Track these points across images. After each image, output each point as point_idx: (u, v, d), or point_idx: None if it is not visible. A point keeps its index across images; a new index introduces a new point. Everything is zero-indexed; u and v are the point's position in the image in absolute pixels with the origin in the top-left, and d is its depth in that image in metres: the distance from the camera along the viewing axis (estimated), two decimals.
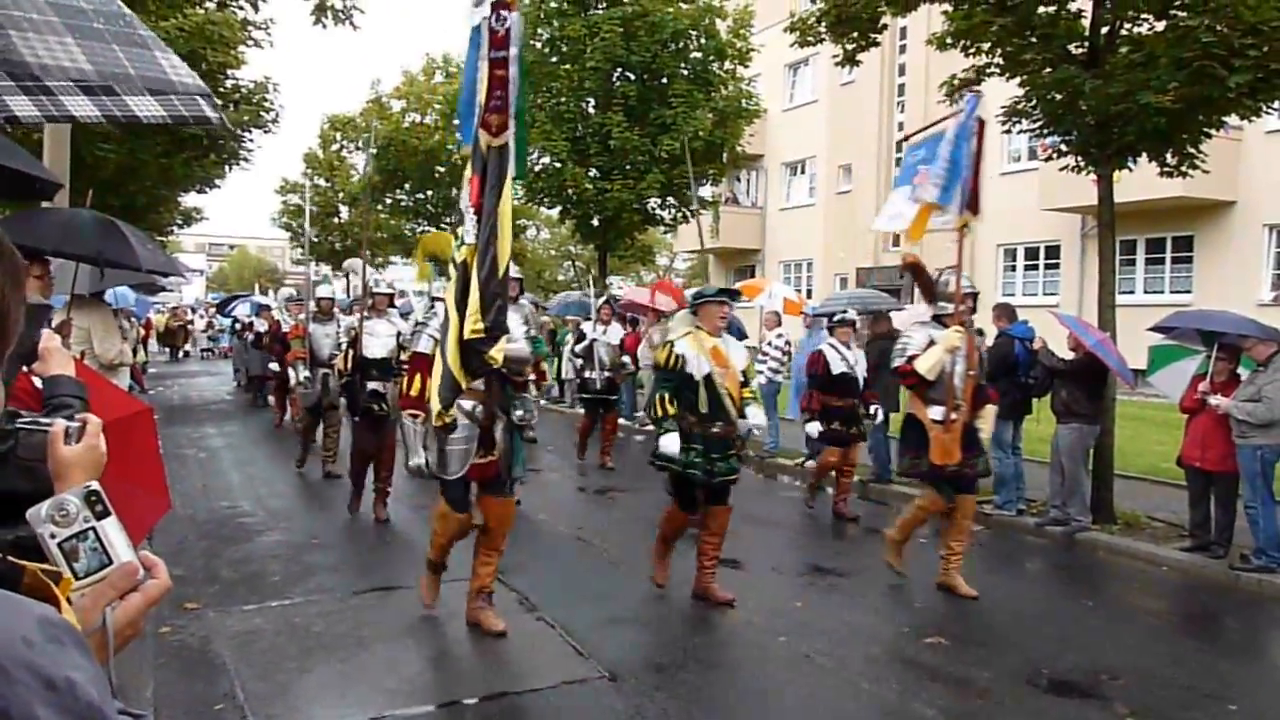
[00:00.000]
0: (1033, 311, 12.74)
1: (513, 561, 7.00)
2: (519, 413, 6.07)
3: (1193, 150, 9.41)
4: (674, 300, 13.12)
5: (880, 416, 10.31)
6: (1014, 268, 25.46)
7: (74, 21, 2.14)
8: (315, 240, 41.56)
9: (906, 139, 10.25)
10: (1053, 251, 24.25)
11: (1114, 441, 9.58)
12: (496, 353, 5.37)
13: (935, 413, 7.06)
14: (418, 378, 5.91)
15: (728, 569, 7.72)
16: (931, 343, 7.08)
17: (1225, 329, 8.21)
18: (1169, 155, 9.42)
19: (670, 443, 6.37)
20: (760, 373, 12.30)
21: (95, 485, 1.22)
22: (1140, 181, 11.19)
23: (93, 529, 1.19)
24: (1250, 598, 7.48)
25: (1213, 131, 9.38)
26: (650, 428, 11.78)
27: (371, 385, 9.20)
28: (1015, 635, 6.41)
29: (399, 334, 9.43)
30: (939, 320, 7.32)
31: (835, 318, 10.38)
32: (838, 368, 9.78)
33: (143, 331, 23.39)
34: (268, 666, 5.49)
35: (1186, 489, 8.56)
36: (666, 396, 6.50)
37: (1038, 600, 7.56)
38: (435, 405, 5.55)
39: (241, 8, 16.35)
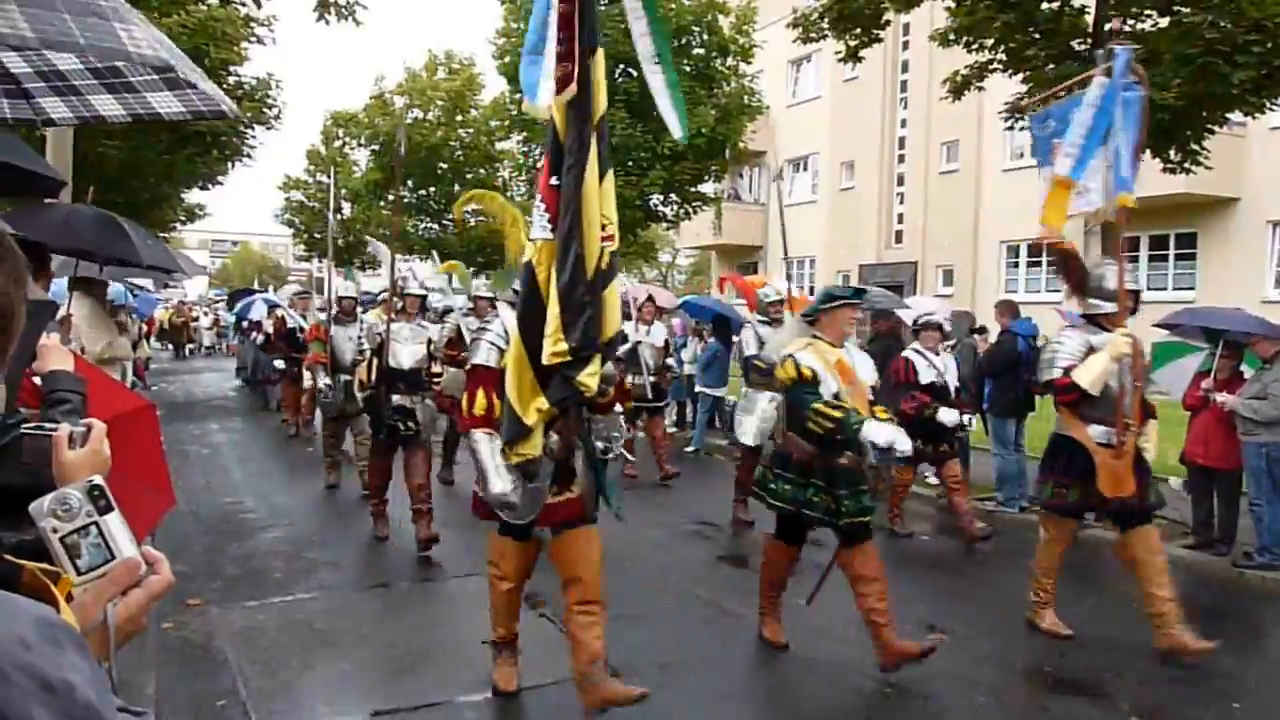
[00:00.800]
0: (1036, 308, 12.73)
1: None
2: (600, 443, 4.99)
3: (1196, 147, 9.42)
4: (742, 292, 12.15)
5: (973, 425, 9.69)
6: (1017, 264, 25.43)
7: None
8: (318, 237, 41.60)
9: (1018, 111, 9.76)
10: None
11: None
12: (589, 378, 4.37)
13: (1100, 434, 5.97)
14: (481, 394, 4.78)
15: (731, 568, 7.72)
16: (1091, 349, 5.96)
17: (1232, 326, 8.20)
18: (1172, 152, 9.43)
19: (883, 431, 5.24)
20: None
21: (98, 480, 1.21)
22: (1144, 178, 11.10)
23: (95, 524, 1.18)
24: (1254, 594, 7.47)
25: (1216, 128, 9.39)
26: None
27: (397, 400, 8.12)
28: (1018, 633, 6.40)
29: (430, 342, 8.64)
30: (1093, 321, 6.21)
31: (920, 320, 9.46)
32: (926, 376, 8.81)
33: (145, 328, 23.41)
34: (270, 663, 5.49)
35: (1189, 487, 8.55)
36: (823, 402, 5.37)
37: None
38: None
39: (244, 4, 16.32)
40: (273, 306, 17.70)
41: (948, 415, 8.55)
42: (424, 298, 9.27)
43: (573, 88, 4.27)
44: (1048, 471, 6.34)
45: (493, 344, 4.91)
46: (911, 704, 5.12)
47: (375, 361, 8.25)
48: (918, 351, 9.00)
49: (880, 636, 5.40)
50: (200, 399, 20.15)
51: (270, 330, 16.67)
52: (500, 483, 4.63)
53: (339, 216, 40.80)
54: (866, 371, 5.81)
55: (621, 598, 6.78)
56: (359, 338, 9.35)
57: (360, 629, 6.09)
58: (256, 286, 36.66)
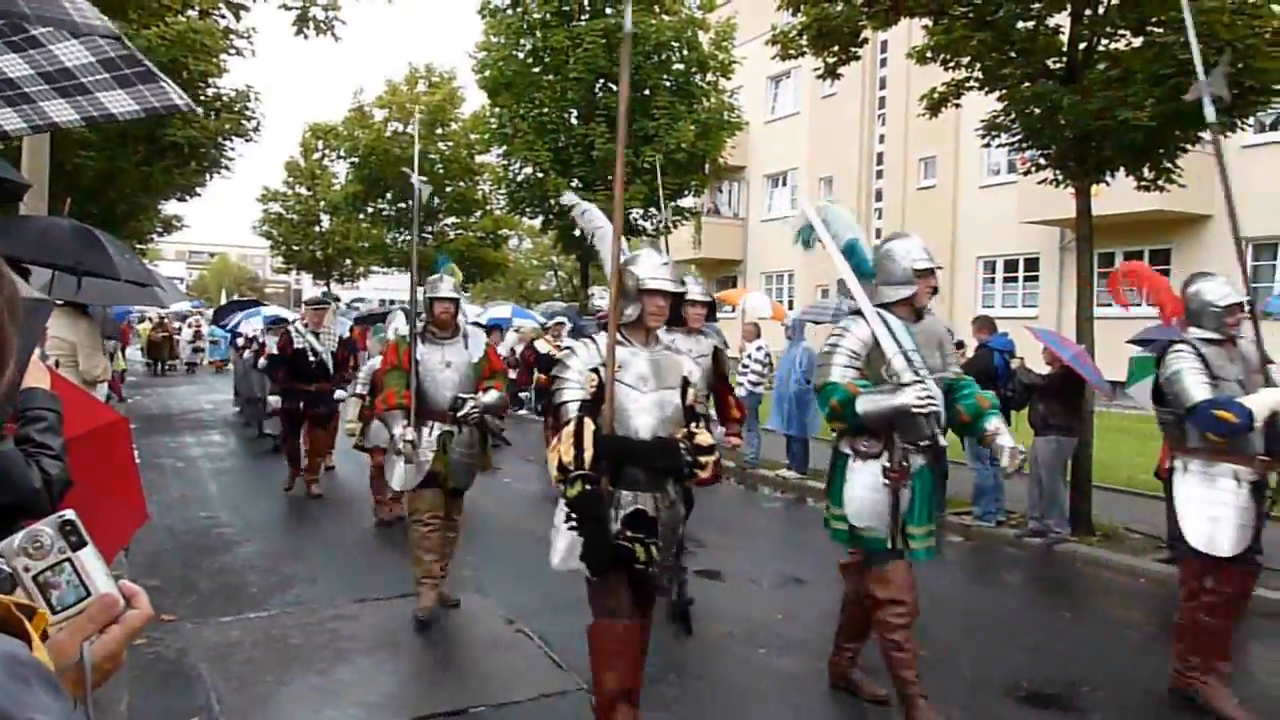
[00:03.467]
0: (1012, 324, 12.83)
1: (489, 573, 6.99)
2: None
3: (1170, 165, 9.51)
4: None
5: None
6: (993, 280, 25.61)
7: None
8: (295, 249, 41.51)
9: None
10: (1032, 264, 24.41)
11: (1092, 453, 9.63)
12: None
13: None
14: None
15: (707, 580, 7.73)
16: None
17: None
18: (1146, 170, 9.51)
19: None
20: (740, 384, 12.31)
21: (70, 515, 1.16)
22: (1118, 195, 11.29)
23: (69, 560, 1.14)
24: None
25: (1189, 146, 9.47)
26: None
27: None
28: (994, 647, 6.43)
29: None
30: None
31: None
32: None
33: (119, 341, 23.24)
34: (245, 679, 5.45)
35: (1165, 500, 8.60)
36: None
37: (1016, 612, 7.58)
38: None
39: (223, 16, 16.29)
40: (278, 321, 14.74)
41: None
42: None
43: None
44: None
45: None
46: (888, 717, 5.13)
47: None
48: None
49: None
50: (176, 412, 20.00)
51: (274, 350, 12.79)
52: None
53: (319, 229, 40.80)
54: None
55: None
56: (453, 363, 6.61)
57: (336, 645, 6.05)
58: (257, 300, 34.84)
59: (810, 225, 5.41)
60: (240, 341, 17.81)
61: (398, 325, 9.12)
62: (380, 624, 6.49)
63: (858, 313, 5.03)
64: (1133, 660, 6.29)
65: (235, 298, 39.99)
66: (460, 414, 6.38)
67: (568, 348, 4.54)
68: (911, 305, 5.10)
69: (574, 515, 4.10)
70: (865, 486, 4.89)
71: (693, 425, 4.35)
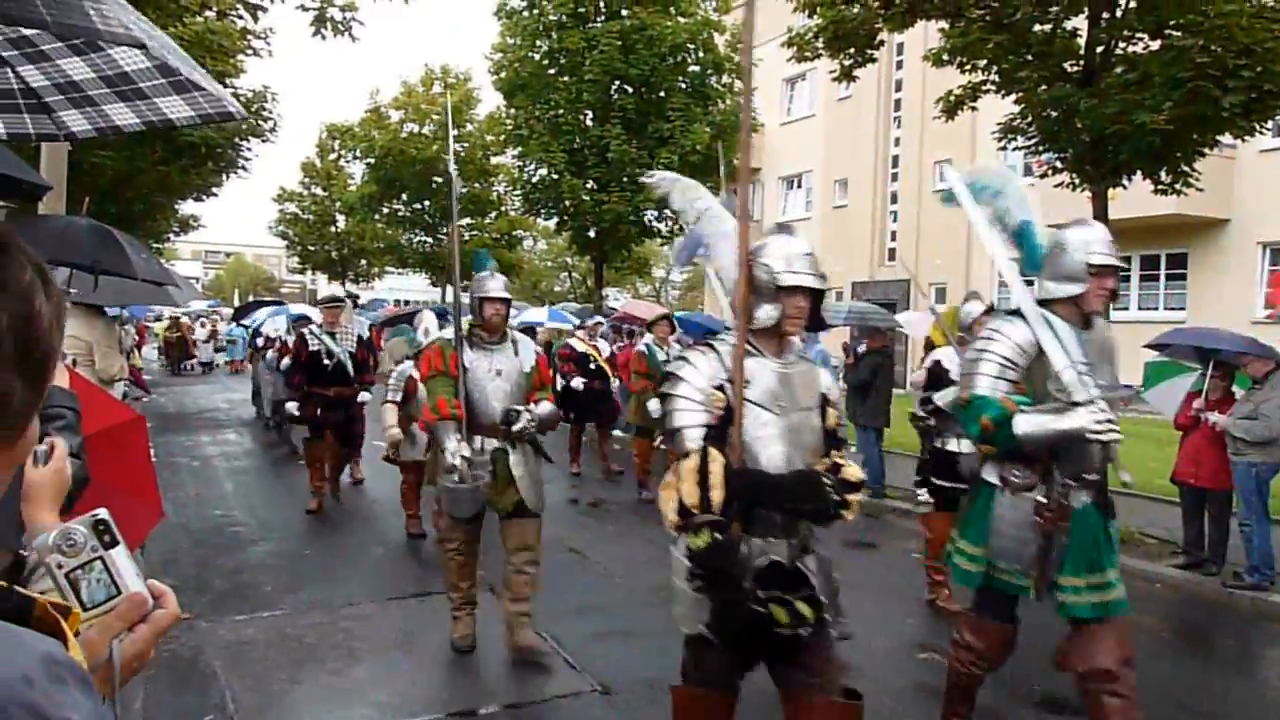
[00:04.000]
0: None
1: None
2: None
3: (1187, 169, 9.48)
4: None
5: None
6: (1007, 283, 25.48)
7: None
8: (311, 249, 41.68)
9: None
10: None
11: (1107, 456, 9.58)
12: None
13: None
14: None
15: None
16: None
17: (1223, 346, 8.23)
18: (1163, 173, 9.49)
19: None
20: None
21: (104, 514, 1.19)
22: (1135, 199, 11.24)
23: (100, 558, 1.16)
24: (1244, 615, 7.48)
25: (1207, 150, 9.44)
26: None
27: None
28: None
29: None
30: None
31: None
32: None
33: (137, 337, 23.35)
34: (259, 677, 5.48)
35: (1180, 506, 8.57)
36: None
37: (1030, 616, 7.53)
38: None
39: (241, 17, 16.39)
40: (297, 320, 13.15)
41: None
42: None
43: None
44: None
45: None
46: None
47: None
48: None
49: None
50: (192, 411, 20.09)
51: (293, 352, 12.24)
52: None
53: (334, 229, 40.94)
54: None
55: (611, 613, 6.78)
56: (504, 371, 5.84)
57: (349, 643, 6.07)
58: (267, 297, 33.71)
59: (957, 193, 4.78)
60: (260, 341, 16.93)
61: (428, 326, 9.31)
62: (394, 624, 6.51)
63: (1015, 312, 4.29)
64: (1148, 666, 6.26)
65: (253, 298, 39.66)
66: (515, 428, 5.63)
67: (680, 358, 3.70)
68: (1079, 308, 4.24)
69: (702, 571, 3.31)
70: (1013, 524, 4.15)
71: (835, 454, 3.67)
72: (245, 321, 20.21)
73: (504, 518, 5.78)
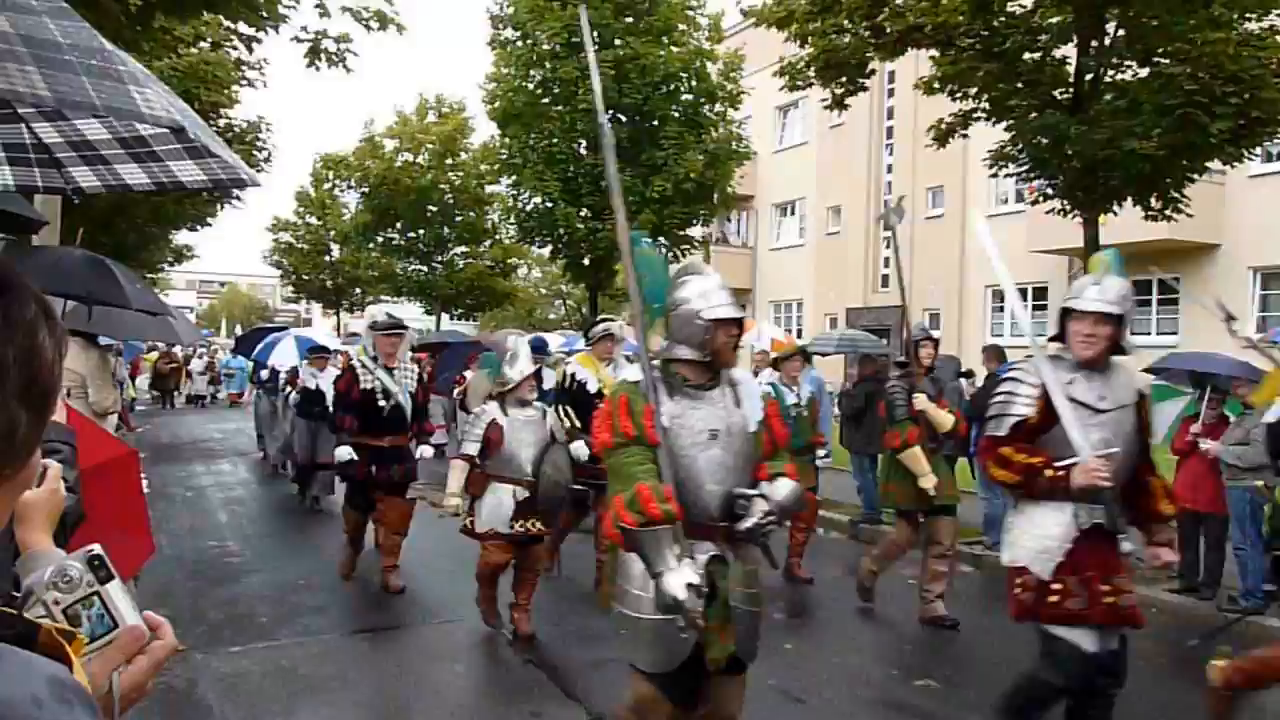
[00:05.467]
0: (1021, 353, 12.80)
1: (500, 603, 6.96)
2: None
3: (1177, 195, 9.54)
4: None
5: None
6: (1002, 309, 25.58)
7: (41, 52, 2.22)
8: (305, 278, 41.73)
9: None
10: (1040, 293, 24.37)
11: None
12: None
13: None
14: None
15: None
16: None
17: (1219, 370, 8.25)
18: (1153, 200, 9.55)
19: None
20: None
21: (98, 549, 1.20)
22: (1126, 224, 11.31)
23: (97, 593, 1.18)
24: (1239, 640, 7.46)
25: (1196, 176, 9.51)
26: None
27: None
28: (1005, 677, 6.36)
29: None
30: None
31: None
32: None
33: (129, 370, 23.27)
34: (254, 709, 5.44)
35: (1177, 531, 8.55)
36: None
37: (1029, 642, 7.51)
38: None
39: (235, 48, 16.47)
40: (317, 350, 12.36)
41: None
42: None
43: None
44: None
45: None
46: None
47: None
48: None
49: None
50: (186, 441, 20.04)
51: (314, 386, 11.65)
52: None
53: (328, 259, 41.00)
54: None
55: (609, 642, 6.75)
56: (754, 429, 3.94)
57: (345, 675, 6.04)
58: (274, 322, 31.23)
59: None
60: (264, 374, 15.29)
61: (518, 354, 6.95)
62: (389, 654, 6.47)
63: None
64: (1145, 690, 6.24)
65: (259, 323, 38.70)
66: (748, 527, 3.69)
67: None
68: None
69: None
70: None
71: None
72: (248, 351, 17.47)
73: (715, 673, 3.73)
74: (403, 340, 8.20)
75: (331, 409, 9.24)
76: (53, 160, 3.31)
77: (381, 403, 7.84)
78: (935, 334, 8.04)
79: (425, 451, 8.30)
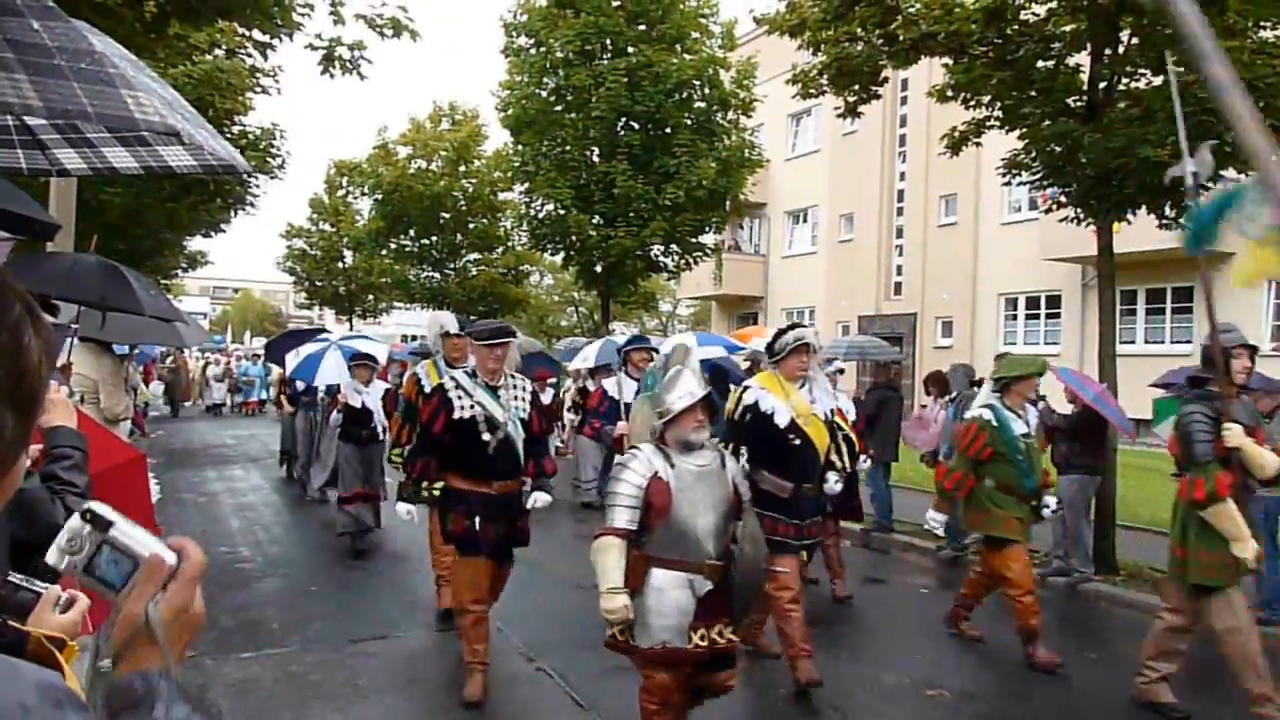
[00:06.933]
0: None
1: (510, 610, 6.96)
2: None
3: (1191, 203, 9.47)
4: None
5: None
6: (1015, 317, 25.52)
7: (29, 58, 2.19)
8: (319, 285, 41.86)
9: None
10: (1053, 301, 24.32)
11: (1115, 492, 9.56)
12: None
13: None
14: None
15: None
16: None
17: None
18: (1167, 208, 9.50)
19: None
20: None
21: (90, 505, 1.22)
22: (1140, 232, 11.25)
23: (105, 542, 1.20)
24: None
25: (1210, 185, 9.45)
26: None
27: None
28: (1017, 687, 6.35)
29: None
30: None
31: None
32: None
33: (142, 375, 23.35)
34: (264, 716, 5.45)
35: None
36: None
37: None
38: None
39: (250, 55, 16.54)
40: (361, 360, 10.41)
41: None
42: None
43: None
44: None
45: None
46: None
47: None
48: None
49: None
50: (198, 447, 20.10)
51: (355, 403, 10.08)
52: None
53: (341, 265, 41.11)
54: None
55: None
56: None
57: (355, 682, 6.04)
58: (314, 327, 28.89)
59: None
60: (299, 385, 13.39)
61: (684, 379, 4.61)
62: (400, 661, 6.48)
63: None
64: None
65: (291, 328, 37.79)
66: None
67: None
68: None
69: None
70: None
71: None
72: (279, 359, 13.78)
73: None
74: (508, 349, 6.05)
75: (399, 443, 7.70)
76: (36, 142, 3.29)
77: (486, 436, 5.81)
78: (1248, 343, 6.17)
79: (542, 500, 6.17)
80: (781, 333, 6.21)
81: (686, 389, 4.46)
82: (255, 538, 10.49)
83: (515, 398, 6.01)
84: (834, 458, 6.14)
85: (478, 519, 5.70)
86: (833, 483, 6.08)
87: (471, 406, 5.80)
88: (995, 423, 6.81)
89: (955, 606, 7.47)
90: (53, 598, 1.74)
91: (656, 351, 8.78)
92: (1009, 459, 6.76)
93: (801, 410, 5.92)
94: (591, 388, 13.11)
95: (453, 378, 6.00)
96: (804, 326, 6.40)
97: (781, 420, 5.87)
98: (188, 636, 1.22)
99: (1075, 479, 9.11)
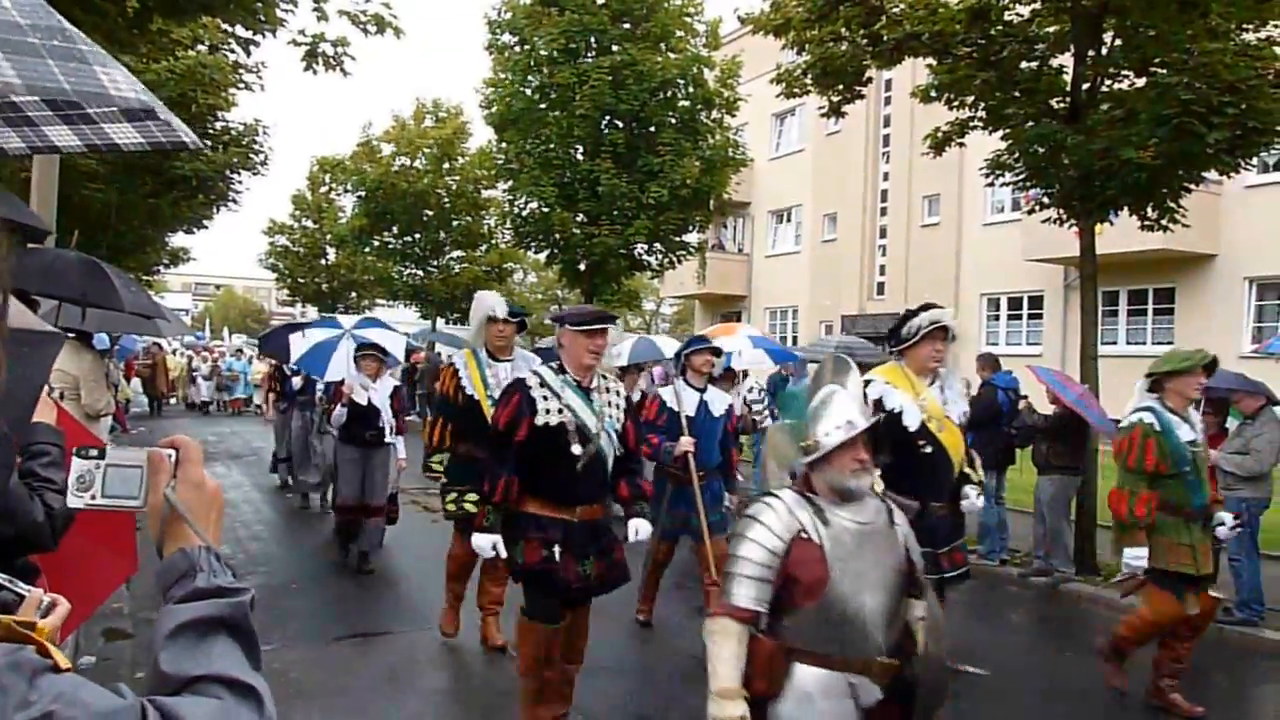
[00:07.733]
0: (1015, 361, 12.81)
1: (510, 615, 6.93)
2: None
3: (1173, 204, 9.54)
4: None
5: None
6: (997, 317, 25.62)
7: (4, 35, 2.16)
8: (301, 281, 41.67)
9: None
10: (1036, 302, 24.42)
11: (1096, 493, 9.60)
12: None
13: None
14: None
15: None
16: None
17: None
18: (1150, 209, 9.56)
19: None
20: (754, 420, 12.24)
21: (79, 448, 1.35)
22: (1122, 234, 11.33)
23: (106, 469, 1.33)
24: (1233, 650, 7.46)
25: (1192, 186, 9.51)
26: None
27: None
28: (998, 687, 6.37)
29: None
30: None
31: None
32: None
33: (125, 369, 23.18)
34: None
35: None
36: None
37: (1021, 652, 7.53)
38: None
39: (233, 51, 16.46)
40: (367, 351, 9.19)
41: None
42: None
43: None
44: None
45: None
46: None
47: None
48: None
49: None
50: None
51: (360, 401, 8.91)
52: None
53: (324, 262, 40.94)
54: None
55: (598, 649, 6.73)
56: None
57: (336, 680, 6.01)
58: (328, 312, 28.12)
59: None
60: (295, 383, 12.37)
61: (839, 402, 3.56)
62: (383, 659, 6.45)
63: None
64: (1136, 700, 6.23)
65: (289, 321, 37.13)
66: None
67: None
68: None
69: None
70: None
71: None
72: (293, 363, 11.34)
73: None
74: (607, 333, 4.80)
75: (436, 445, 6.63)
76: None
77: (576, 449, 4.67)
78: None
79: (644, 530, 5.14)
80: (910, 314, 5.21)
81: (844, 416, 3.24)
82: (235, 535, 10.43)
83: (610, 404, 4.84)
84: (969, 470, 5.35)
85: (556, 548, 4.59)
86: (973, 498, 5.33)
87: (559, 411, 4.63)
88: (1159, 428, 5.59)
89: (1153, 682, 6.16)
90: (35, 601, 1.73)
91: (719, 353, 7.59)
92: (1175, 472, 5.58)
93: (934, 412, 5.07)
94: (644, 391, 9.94)
95: (536, 373, 4.80)
96: (939, 306, 5.31)
97: (911, 422, 5.01)
98: (214, 512, 1.36)
99: (1056, 479, 9.16)
